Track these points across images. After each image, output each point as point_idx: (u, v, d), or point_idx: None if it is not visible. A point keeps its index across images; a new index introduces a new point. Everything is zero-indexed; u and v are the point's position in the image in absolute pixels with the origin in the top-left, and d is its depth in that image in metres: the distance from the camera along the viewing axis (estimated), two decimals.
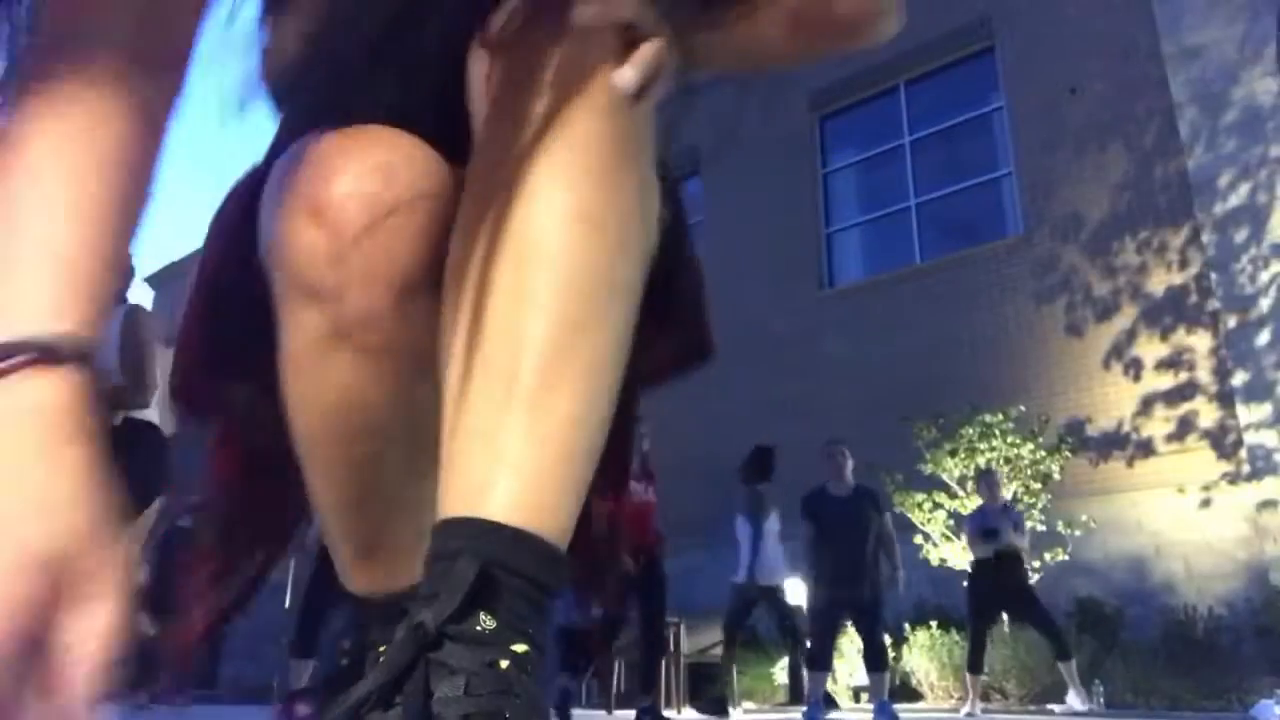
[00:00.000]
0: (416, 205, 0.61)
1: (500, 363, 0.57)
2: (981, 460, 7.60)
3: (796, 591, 8.05)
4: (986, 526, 6.10)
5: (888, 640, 7.62)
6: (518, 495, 0.55)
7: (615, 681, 7.47)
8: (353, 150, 0.60)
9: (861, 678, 7.58)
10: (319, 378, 0.63)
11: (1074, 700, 5.60)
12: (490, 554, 0.53)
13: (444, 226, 0.62)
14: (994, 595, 6.01)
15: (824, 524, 5.66)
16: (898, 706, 5.65)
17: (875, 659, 5.55)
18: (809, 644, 5.76)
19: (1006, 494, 7.48)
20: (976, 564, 6.20)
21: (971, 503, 7.57)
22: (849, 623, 5.98)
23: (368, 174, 0.59)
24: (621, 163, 0.62)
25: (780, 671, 8.01)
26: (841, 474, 5.80)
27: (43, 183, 0.50)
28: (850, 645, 7.66)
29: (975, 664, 6.04)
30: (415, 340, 0.62)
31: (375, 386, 0.64)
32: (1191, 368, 7.91)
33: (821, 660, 5.61)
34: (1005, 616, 6.85)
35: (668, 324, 0.84)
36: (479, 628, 0.52)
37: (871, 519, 5.61)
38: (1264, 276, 7.66)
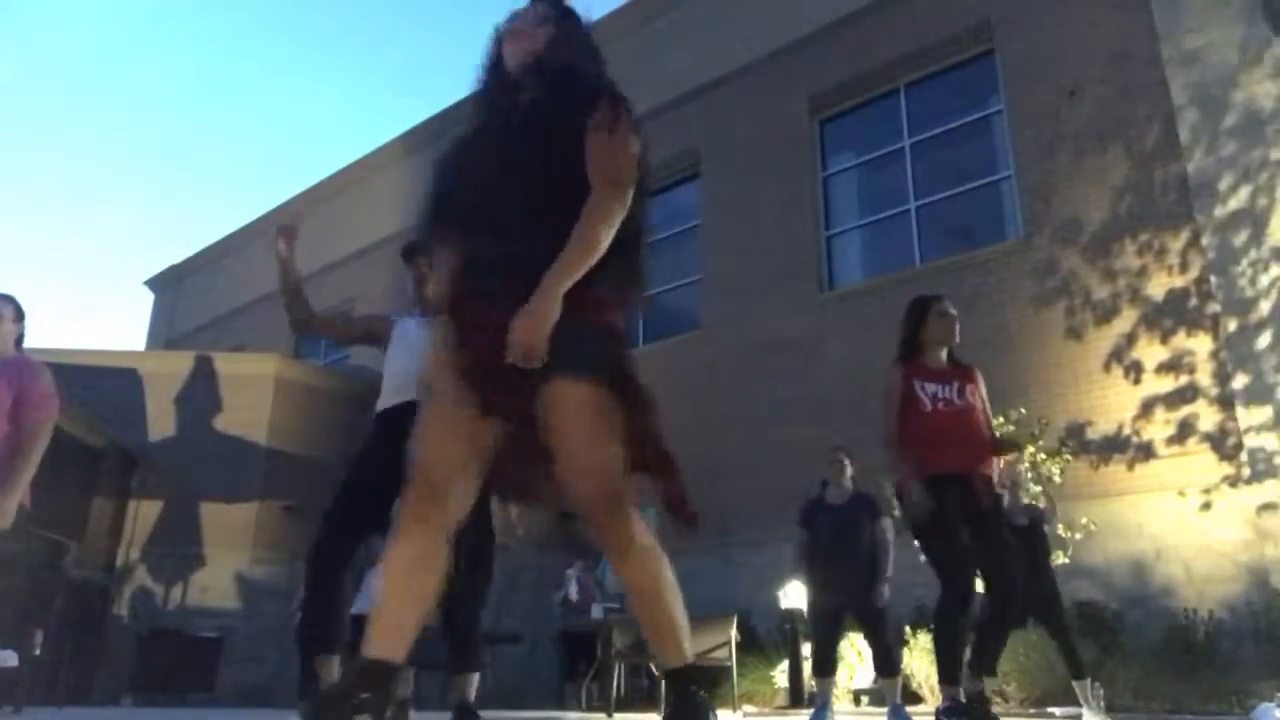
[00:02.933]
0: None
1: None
2: None
3: (797, 595, 8.05)
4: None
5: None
6: (676, 656, 1.85)
7: (615, 686, 7.47)
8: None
9: (861, 681, 7.58)
10: None
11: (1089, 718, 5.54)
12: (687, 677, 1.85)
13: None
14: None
15: (818, 531, 5.70)
16: None
17: (884, 664, 5.54)
18: (813, 650, 5.74)
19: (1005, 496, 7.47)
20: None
21: None
22: (855, 627, 5.94)
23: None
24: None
25: (780, 674, 8.01)
26: (840, 480, 5.83)
27: None
28: (849, 649, 7.65)
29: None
30: None
31: None
32: (1192, 371, 7.91)
33: (824, 665, 5.61)
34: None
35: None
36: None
37: (865, 525, 5.62)
38: (1264, 280, 7.66)
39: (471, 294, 1.80)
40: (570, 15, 2.10)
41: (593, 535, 1.77)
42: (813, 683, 7.39)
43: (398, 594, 1.70)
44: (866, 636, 5.77)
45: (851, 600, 5.54)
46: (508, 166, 1.86)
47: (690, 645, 1.85)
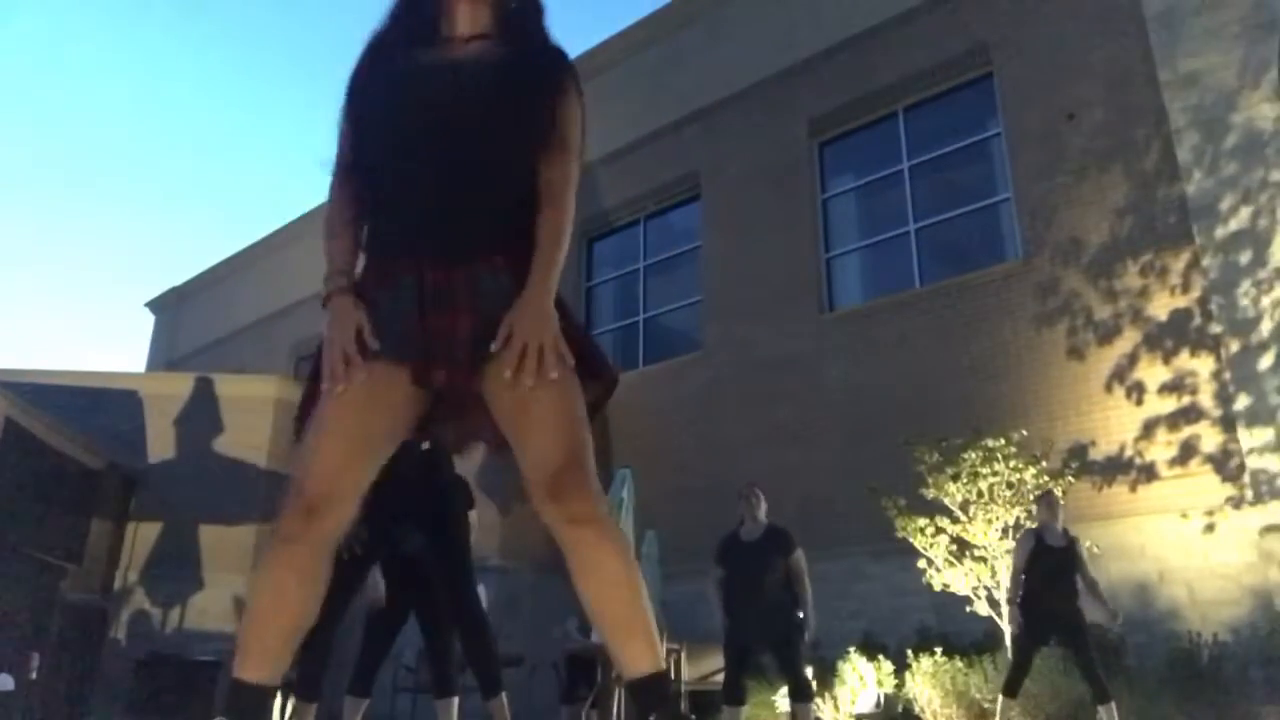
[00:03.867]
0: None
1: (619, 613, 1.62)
2: (984, 485, 7.54)
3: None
4: (1046, 551, 5.94)
5: (889, 667, 7.59)
6: (653, 660, 1.58)
7: (615, 710, 7.40)
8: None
9: (862, 707, 7.52)
10: None
11: None
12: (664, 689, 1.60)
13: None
14: (1047, 620, 5.82)
15: (731, 566, 5.88)
16: None
17: (798, 691, 5.68)
18: (723, 680, 5.98)
19: (1010, 519, 7.43)
20: (1028, 589, 5.99)
21: (975, 527, 7.52)
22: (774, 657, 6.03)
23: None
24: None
25: (782, 700, 7.93)
26: (754, 515, 5.98)
27: None
28: (851, 673, 7.60)
29: (1012, 687, 5.91)
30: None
31: None
32: (1194, 392, 7.89)
33: (731, 695, 5.82)
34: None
35: (594, 378, 1.73)
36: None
37: (777, 559, 5.77)
38: (1266, 300, 7.66)
39: (411, 258, 1.70)
40: None
41: (555, 516, 1.57)
42: (814, 706, 7.34)
43: (269, 615, 1.63)
44: (780, 666, 5.89)
45: (763, 634, 5.73)
46: (460, 123, 1.73)
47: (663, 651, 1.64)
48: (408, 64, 1.80)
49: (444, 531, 4.00)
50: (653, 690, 1.58)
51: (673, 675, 7.44)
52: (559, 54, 1.85)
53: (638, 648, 1.58)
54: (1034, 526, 6.31)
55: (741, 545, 5.92)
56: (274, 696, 1.67)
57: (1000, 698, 5.94)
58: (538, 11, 1.89)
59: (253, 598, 1.65)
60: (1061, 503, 6.39)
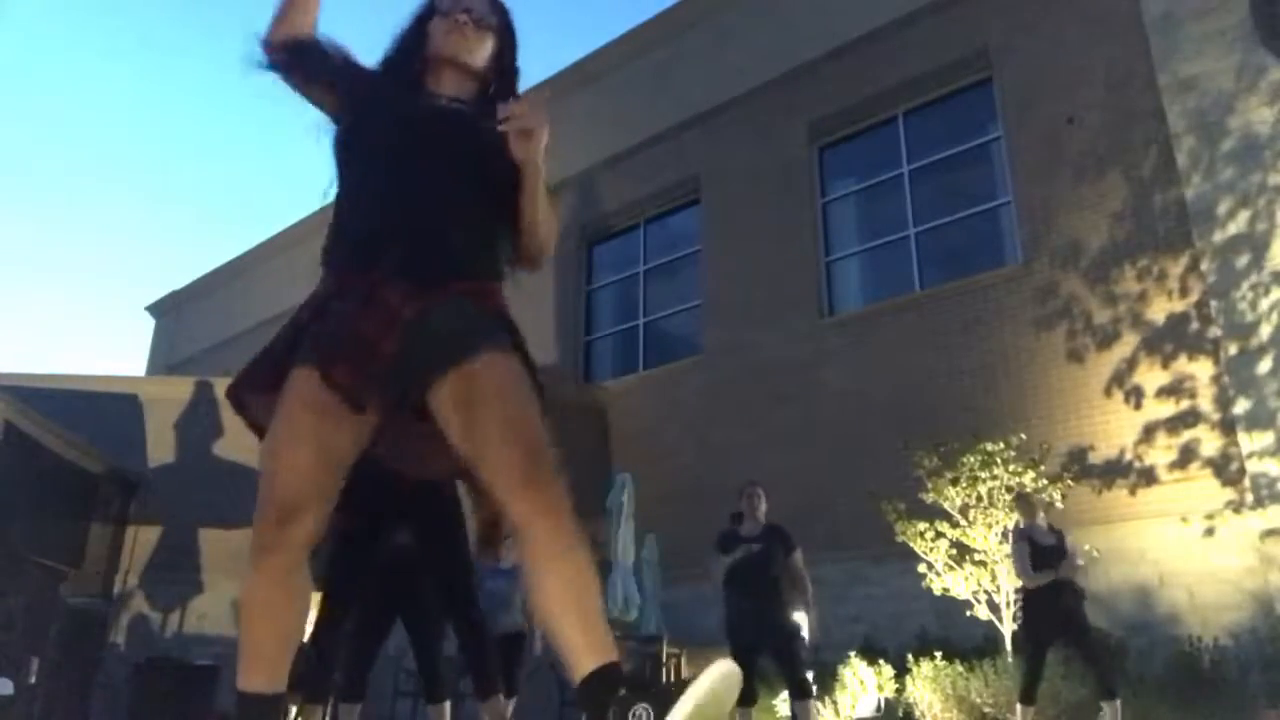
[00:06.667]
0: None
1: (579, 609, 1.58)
2: (984, 489, 7.54)
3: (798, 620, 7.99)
4: (1038, 550, 5.93)
5: (889, 671, 7.58)
6: (613, 649, 1.56)
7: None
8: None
9: (862, 711, 7.51)
10: None
11: None
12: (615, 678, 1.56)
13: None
14: (1049, 620, 5.80)
15: (730, 563, 5.85)
16: None
17: (798, 689, 5.65)
18: None
19: (1009, 523, 7.42)
20: (1028, 591, 6.02)
21: (975, 531, 7.51)
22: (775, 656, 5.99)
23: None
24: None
25: (781, 703, 7.93)
26: (754, 514, 5.97)
27: None
28: (852, 677, 7.59)
29: (1027, 694, 5.87)
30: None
31: None
32: (1193, 395, 7.89)
33: (741, 695, 5.70)
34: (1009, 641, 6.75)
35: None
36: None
37: (777, 554, 5.76)
38: (1264, 304, 7.66)
39: (376, 281, 1.73)
40: (509, 22, 2.05)
41: (527, 508, 1.58)
42: (815, 707, 7.34)
43: (261, 626, 1.67)
44: (779, 664, 5.86)
45: (764, 629, 5.67)
46: (442, 167, 1.83)
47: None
48: (395, 95, 1.93)
49: (444, 532, 3.99)
50: (612, 678, 1.58)
51: (673, 678, 7.43)
52: None
53: (599, 636, 1.58)
54: (1021, 526, 6.34)
55: (741, 540, 5.90)
56: (280, 704, 1.69)
57: (1019, 706, 5.90)
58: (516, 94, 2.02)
59: (243, 610, 1.69)
60: (1047, 502, 6.41)
